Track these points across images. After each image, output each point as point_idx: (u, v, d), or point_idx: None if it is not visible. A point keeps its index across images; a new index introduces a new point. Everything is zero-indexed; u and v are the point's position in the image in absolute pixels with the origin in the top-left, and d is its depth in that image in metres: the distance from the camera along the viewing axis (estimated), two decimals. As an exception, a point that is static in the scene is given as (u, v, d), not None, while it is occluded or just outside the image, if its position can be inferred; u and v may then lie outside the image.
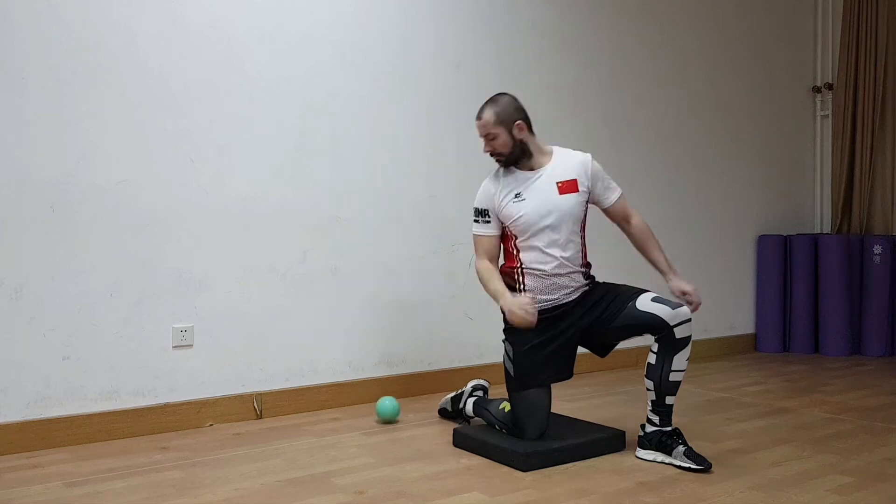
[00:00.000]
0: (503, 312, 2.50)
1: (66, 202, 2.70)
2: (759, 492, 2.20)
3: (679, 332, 2.41)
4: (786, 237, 4.79)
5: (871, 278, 4.66)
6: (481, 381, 3.07)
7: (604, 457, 2.54)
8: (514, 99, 2.62)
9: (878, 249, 4.65)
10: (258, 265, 3.10)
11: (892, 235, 4.76)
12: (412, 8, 3.50)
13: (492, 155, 2.62)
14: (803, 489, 2.23)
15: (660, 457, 2.47)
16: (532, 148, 2.60)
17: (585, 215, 2.64)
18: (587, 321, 2.57)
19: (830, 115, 5.19)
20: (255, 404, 3.07)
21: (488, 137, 2.58)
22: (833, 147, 5.17)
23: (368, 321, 3.38)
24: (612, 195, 2.65)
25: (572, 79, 4.03)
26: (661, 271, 2.65)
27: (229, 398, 3.02)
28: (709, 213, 4.64)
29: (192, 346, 2.95)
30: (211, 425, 2.97)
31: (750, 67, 4.85)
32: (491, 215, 2.63)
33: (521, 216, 2.55)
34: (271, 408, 3.11)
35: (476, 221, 2.67)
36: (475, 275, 2.70)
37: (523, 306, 2.41)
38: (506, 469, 2.41)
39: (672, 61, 4.45)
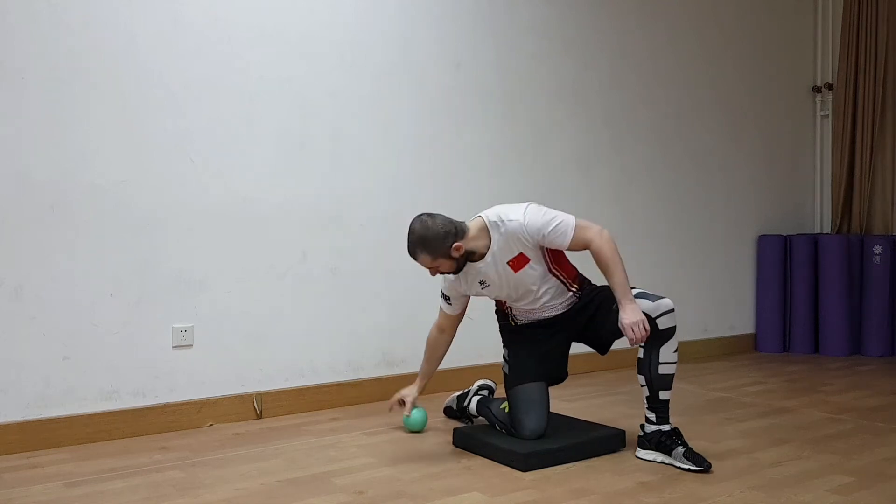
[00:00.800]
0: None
1: (66, 202, 2.70)
2: (759, 492, 2.20)
3: (662, 323, 2.43)
4: (786, 237, 4.79)
5: (871, 278, 4.66)
6: (487, 381, 3.10)
7: (604, 457, 2.54)
8: (434, 221, 2.46)
9: (878, 249, 4.65)
10: (258, 265, 3.10)
11: (892, 235, 4.76)
12: (412, 8, 3.50)
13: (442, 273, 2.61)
14: (803, 489, 2.23)
15: (659, 457, 2.47)
16: (472, 247, 2.51)
17: (553, 252, 2.57)
18: (579, 321, 2.64)
19: (830, 115, 5.19)
20: (255, 404, 3.07)
21: (432, 270, 2.54)
22: (833, 147, 5.17)
23: (368, 321, 3.38)
24: (565, 239, 2.46)
25: (572, 79, 4.03)
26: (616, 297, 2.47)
27: (229, 398, 3.02)
28: (709, 213, 4.64)
29: (192, 346, 2.95)
30: (211, 425, 2.97)
31: (750, 67, 4.85)
32: (453, 301, 2.75)
33: (497, 297, 2.68)
34: (271, 408, 3.11)
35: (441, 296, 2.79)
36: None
37: (394, 403, 2.90)
38: (506, 469, 2.41)
39: (672, 61, 4.45)
